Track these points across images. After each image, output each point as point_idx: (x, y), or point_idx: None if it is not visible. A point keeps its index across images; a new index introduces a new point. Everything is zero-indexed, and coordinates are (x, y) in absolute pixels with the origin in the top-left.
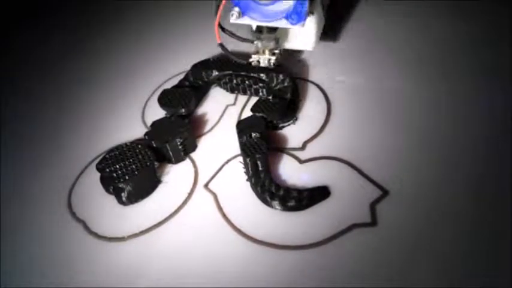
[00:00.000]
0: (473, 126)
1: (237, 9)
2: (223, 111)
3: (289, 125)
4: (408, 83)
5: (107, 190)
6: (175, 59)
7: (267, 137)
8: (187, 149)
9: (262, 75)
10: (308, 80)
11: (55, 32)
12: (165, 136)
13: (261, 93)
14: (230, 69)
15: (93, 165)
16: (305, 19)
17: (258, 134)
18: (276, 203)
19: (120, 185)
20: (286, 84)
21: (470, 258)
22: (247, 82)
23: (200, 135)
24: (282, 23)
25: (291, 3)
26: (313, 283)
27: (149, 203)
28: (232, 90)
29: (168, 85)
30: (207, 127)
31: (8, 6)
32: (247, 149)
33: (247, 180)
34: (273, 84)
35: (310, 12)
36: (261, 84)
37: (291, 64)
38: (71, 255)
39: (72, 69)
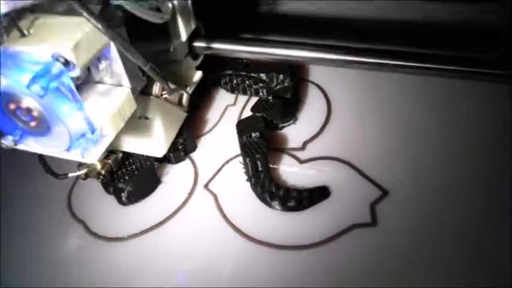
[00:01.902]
0: (474, 126)
1: (10, 137)
2: (223, 111)
3: (289, 125)
4: (409, 83)
5: (107, 190)
6: None
7: (267, 137)
8: (187, 149)
9: (262, 75)
10: (308, 80)
11: None
12: None
13: (261, 93)
14: (230, 69)
15: None
16: (99, 146)
17: (258, 134)
18: (276, 203)
19: (120, 185)
20: (286, 84)
21: (470, 258)
22: (247, 82)
23: (200, 135)
24: (66, 155)
25: (65, 136)
26: (313, 283)
27: (149, 203)
28: (232, 90)
29: None
30: (207, 127)
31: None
32: (247, 149)
33: (247, 180)
34: (273, 84)
35: (144, 117)
36: (261, 84)
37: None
38: (71, 255)
39: None
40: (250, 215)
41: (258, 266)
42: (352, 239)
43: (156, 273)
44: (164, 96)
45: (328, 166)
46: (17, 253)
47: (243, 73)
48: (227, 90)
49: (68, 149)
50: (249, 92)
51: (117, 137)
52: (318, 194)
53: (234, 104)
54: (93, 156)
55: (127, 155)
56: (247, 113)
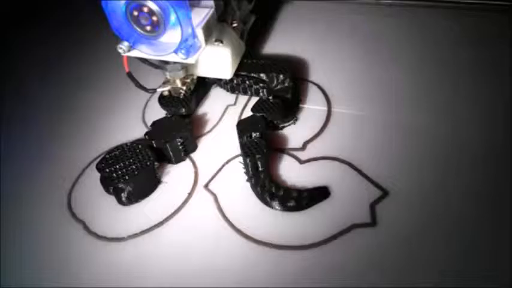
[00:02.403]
0: (474, 126)
1: (125, 43)
2: (223, 111)
3: (289, 125)
4: (409, 83)
5: (107, 190)
6: None
7: (267, 137)
8: (188, 149)
9: (262, 75)
10: (308, 80)
11: (55, 32)
12: (166, 136)
13: (261, 94)
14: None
15: (93, 165)
16: (196, 52)
17: (258, 134)
18: (276, 204)
19: (120, 185)
20: (286, 84)
21: (470, 258)
22: (247, 82)
23: (200, 136)
24: (172, 57)
25: (177, 38)
26: (313, 283)
27: (149, 203)
28: (232, 90)
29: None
30: (208, 127)
31: (7, 6)
32: (248, 149)
33: (247, 180)
34: (274, 85)
35: (219, 41)
36: (261, 85)
37: (291, 64)
38: (71, 255)
39: (72, 69)
40: (250, 215)
41: (258, 266)
42: (352, 239)
43: (156, 273)
44: (234, 25)
45: (328, 166)
46: (16, 253)
47: (243, 73)
48: (227, 90)
49: (176, 51)
50: (249, 92)
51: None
52: (318, 194)
53: (234, 104)
54: (193, 57)
55: (127, 155)
56: (248, 113)
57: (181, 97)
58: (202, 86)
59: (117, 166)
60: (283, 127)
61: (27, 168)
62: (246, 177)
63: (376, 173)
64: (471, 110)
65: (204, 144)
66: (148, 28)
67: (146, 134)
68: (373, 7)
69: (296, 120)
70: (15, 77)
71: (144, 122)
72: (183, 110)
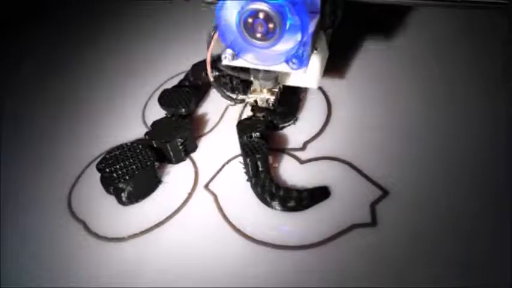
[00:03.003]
0: (474, 127)
1: (229, 51)
2: (223, 111)
3: (289, 125)
4: (409, 83)
5: (107, 190)
6: (176, 59)
7: (267, 137)
8: (188, 149)
9: None
10: None
11: (55, 32)
12: (166, 136)
13: None
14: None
15: (93, 165)
16: (308, 63)
17: (258, 134)
18: (276, 204)
19: (120, 185)
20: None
21: (470, 258)
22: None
23: (201, 135)
24: (281, 67)
25: (291, 46)
26: (313, 283)
27: (149, 203)
28: (232, 90)
29: (168, 85)
30: (208, 127)
31: (7, 6)
32: (248, 149)
33: (247, 180)
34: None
35: (314, 48)
36: None
37: None
38: (71, 256)
39: (72, 69)
40: (250, 215)
41: (258, 266)
42: (352, 239)
43: (156, 273)
44: (328, 31)
45: (328, 166)
46: (16, 253)
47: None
48: (227, 90)
49: (287, 61)
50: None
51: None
52: (318, 194)
53: (235, 104)
54: (305, 68)
55: (127, 155)
56: (248, 113)
57: (270, 107)
58: (202, 86)
59: (117, 166)
60: (283, 127)
61: (27, 168)
62: (246, 177)
63: (376, 173)
64: (471, 109)
65: (204, 144)
66: (259, 35)
67: (146, 134)
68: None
69: (296, 120)
70: (15, 77)
71: (144, 122)
72: (183, 110)
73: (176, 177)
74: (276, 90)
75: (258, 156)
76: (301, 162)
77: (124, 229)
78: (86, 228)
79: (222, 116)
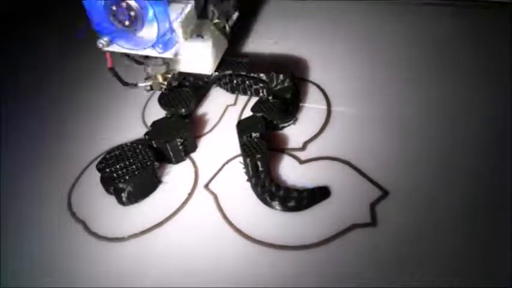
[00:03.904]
0: (474, 127)
1: (105, 38)
2: (223, 111)
3: (289, 125)
4: (408, 83)
5: (107, 190)
6: None
7: (267, 137)
8: (188, 149)
9: (262, 75)
10: (308, 80)
11: (55, 32)
12: (166, 136)
13: (261, 94)
14: (230, 69)
15: (93, 165)
16: (174, 47)
17: (258, 134)
18: (276, 204)
19: (120, 185)
20: (286, 84)
21: (470, 258)
22: (247, 82)
23: (200, 136)
24: (151, 52)
25: (154, 32)
26: (313, 283)
27: (149, 203)
28: (232, 91)
29: None
30: (208, 127)
31: (8, 6)
32: (248, 149)
33: (247, 180)
34: (273, 85)
35: (200, 36)
36: (261, 85)
37: (291, 64)
38: (71, 256)
39: (72, 69)
40: (250, 215)
41: (258, 266)
42: (352, 239)
43: (156, 273)
44: (214, 21)
45: (328, 166)
46: (16, 253)
47: (243, 73)
48: (227, 90)
49: (154, 45)
50: (249, 92)
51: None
52: (318, 194)
53: (234, 104)
54: (170, 52)
55: (127, 155)
56: (248, 113)
57: (163, 91)
58: (202, 86)
59: (117, 166)
60: (283, 127)
61: (28, 168)
62: (246, 177)
63: (376, 173)
64: (471, 109)
65: (204, 144)
66: (127, 23)
67: (146, 134)
68: (372, 5)
69: (296, 120)
70: (15, 78)
71: (144, 122)
72: (183, 110)
73: (176, 177)
74: (169, 76)
75: (258, 156)
76: (301, 162)
77: (124, 229)
78: (86, 228)
79: (222, 116)
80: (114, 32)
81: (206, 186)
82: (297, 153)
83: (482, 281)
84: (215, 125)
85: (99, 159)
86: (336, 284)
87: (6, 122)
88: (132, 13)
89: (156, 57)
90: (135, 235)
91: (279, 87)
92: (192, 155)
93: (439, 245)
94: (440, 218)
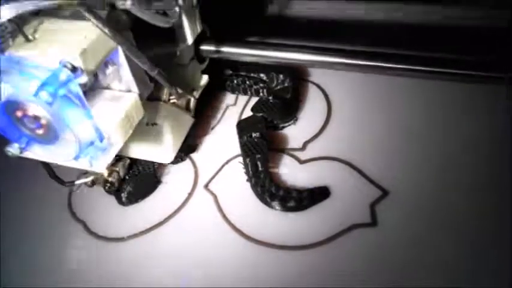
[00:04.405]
0: (474, 126)
1: (15, 145)
2: (223, 111)
3: (289, 125)
4: (409, 83)
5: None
6: None
7: (267, 137)
8: (188, 149)
9: (262, 75)
10: (308, 80)
11: None
12: None
13: (261, 94)
14: (230, 70)
15: None
16: (108, 154)
17: (258, 134)
18: (276, 204)
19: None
20: (286, 84)
21: (470, 258)
22: (247, 82)
23: (201, 136)
24: (74, 164)
25: (73, 145)
26: (313, 283)
27: (149, 204)
28: (232, 91)
29: None
30: (208, 127)
31: None
32: (248, 149)
33: (247, 180)
34: (273, 85)
35: (153, 124)
36: (261, 85)
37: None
38: (71, 256)
39: None
40: (250, 215)
41: (258, 266)
42: (352, 239)
43: (156, 273)
44: (172, 101)
45: (328, 166)
46: (17, 253)
47: (243, 73)
48: (228, 91)
49: (76, 158)
50: (249, 92)
51: (125, 144)
52: (318, 194)
53: (235, 104)
54: (101, 164)
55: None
56: (248, 113)
57: (106, 190)
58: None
59: None
60: (283, 127)
61: (28, 168)
62: (246, 177)
63: (376, 173)
64: (471, 110)
65: (204, 144)
66: (39, 132)
67: None
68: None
69: (296, 120)
70: None
71: None
72: None
73: (176, 177)
74: (117, 168)
75: (258, 156)
76: (301, 162)
77: (124, 229)
78: (86, 228)
79: (222, 116)
80: (24, 138)
81: (206, 186)
82: (297, 153)
83: (483, 281)
84: (215, 125)
85: None
86: (336, 283)
87: None
88: (43, 121)
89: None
90: (135, 235)
91: (279, 87)
92: (192, 155)
93: (439, 244)
94: (440, 218)
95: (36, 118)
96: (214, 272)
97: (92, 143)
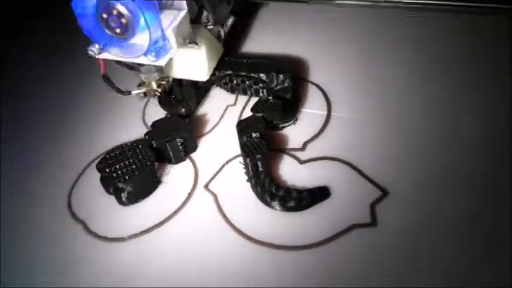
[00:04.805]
0: (474, 126)
1: (96, 46)
2: (223, 111)
3: (289, 125)
4: (409, 83)
5: (107, 190)
6: None
7: (267, 137)
8: (188, 149)
9: (262, 75)
10: (308, 80)
11: (56, 33)
12: (166, 136)
13: (261, 94)
14: (230, 70)
15: (93, 165)
16: (167, 55)
17: (258, 134)
18: (276, 204)
19: (120, 185)
20: (286, 84)
21: (470, 258)
22: (247, 82)
23: (200, 136)
24: (141, 60)
25: (146, 40)
26: (313, 283)
27: (149, 203)
28: (232, 91)
29: None
30: (208, 127)
31: (8, 7)
32: (247, 149)
33: (247, 180)
34: (273, 85)
35: (194, 42)
36: (261, 85)
37: (290, 64)
38: (71, 256)
39: (73, 69)
40: (250, 215)
41: (258, 266)
42: (352, 239)
43: (156, 273)
44: (208, 27)
45: (328, 166)
46: (16, 253)
47: (243, 73)
48: (227, 91)
49: (146, 53)
50: (249, 92)
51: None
52: (318, 194)
53: (234, 104)
54: (164, 60)
55: (127, 155)
56: (248, 113)
57: (156, 99)
58: (202, 86)
59: (117, 166)
60: (283, 127)
61: (28, 168)
62: (246, 178)
63: (376, 173)
64: (471, 110)
65: (204, 144)
66: (118, 31)
67: (146, 134)
68: (372, 9)
69: (296, 120)
70: (15, 78)
71: (144, 122)
72: (183, 110)
73: (176, 177)
74: (163, 82)
75: (258, 156)
76: (301, 162)
77: (124, 229)
78: (86, 228)
79: (222, 116)
80: (105, 39)
81: (206, 186)
82: (297, 153)
83: (483, 281)
84: (215, 125)
85: (99, 159)
86: (336, 284)
87: (6, 122)
88: (124, 20)
89: (148, 64)
90: (135, 235)
91: (279, 87)
92: (192, 155)
93: (439, 245)
94: (440, 218)
95: (119, 16)
96: (214, 272)
97: (156, 42)
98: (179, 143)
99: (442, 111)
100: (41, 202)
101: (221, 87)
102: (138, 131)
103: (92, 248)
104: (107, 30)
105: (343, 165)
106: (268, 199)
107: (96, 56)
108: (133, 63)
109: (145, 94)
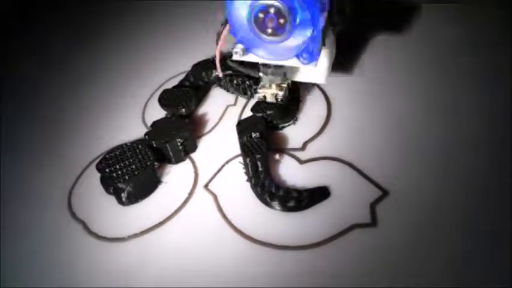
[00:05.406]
0: (475, 126)
1: (240, 46)
2: (223, 111)
3: (289, 125)
4: (409, 82)
5: (107, 190)
6: (175, 59)
7: (267, 137)
8: (188, 149)
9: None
10: None
11: (55, 32)
12: (166, 136)
13: None
14: (230, 70)
15: (93, 165)
16: (318, 58)
17: (258, 134)
18: (276, 204)
19: (120, 185)
20: (286, 84)
21: (470, 258)
22: (247, 82)
23: (200, 136)
24: (291, 62)
25: (302, 41)
26: (313, 283)
27: (149, 204)
28: (244, 92)
29: (168, 85)
30: (208, 127)
31: (8, 6)
32: (247, 149)
33: (247, 180)
34: None
35: (323, 44)
36: None
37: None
38: (71, 256)
39: (72, 69)
40: (250, 215)
41: (258, 266)
42: (352, 239)
43: (156, 273)
44: (334, 28)
45: (328, 166)
46: (16, 253)
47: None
48: (227, 91)
49: (298, 56)
50: (249, 92)
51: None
52: (318, 194)
53: (234, 104)
54: (315, 62)
55: (127, 155)
56: (248, 113)
57: (280, 102)
58: (202, 86)
59: (117, 166)
60: (283, 127)
61: (27, 168)
62: (246, 177)
63: (376, 173)
64: (471, 110)
65: (204, 144)
66: (269, 31)
67: (146, 134)
68: (372, 6)
69: (296, 120)
70: (15, 78)
71: (144, 122)
72: (183, 110)
73: (176, 177)
74: (285, 85)
75: (257, 156)
76: (301, 162)
77: (124, 229)
78: (86, 228)
79: (222, 116)
80: (253, 40)
81: (206, 186)
82: (297, 153)
83: (483, 281)
84: (215, 125)
85: (99, 159)
86: (336, 284)
87: (6, 121)
88: (282, 20)
89: (278, 66)
90: (135, 235)
91: None
92: (192, 155)
93: (440, 245)
94: (440, 218)
95: (278, 14)
96: (214, 272)
97: (312, 42)
98: (179, 143)
99: (443, 110)
100: (41, 202)
101: (221, 87)
102: (138, 131)
103: (92, 248)
104: (256, 31)
105: (343, 165)
106: (268, 199)
107: (241, 58)
108: (259, 65)
109: (265, 97)
